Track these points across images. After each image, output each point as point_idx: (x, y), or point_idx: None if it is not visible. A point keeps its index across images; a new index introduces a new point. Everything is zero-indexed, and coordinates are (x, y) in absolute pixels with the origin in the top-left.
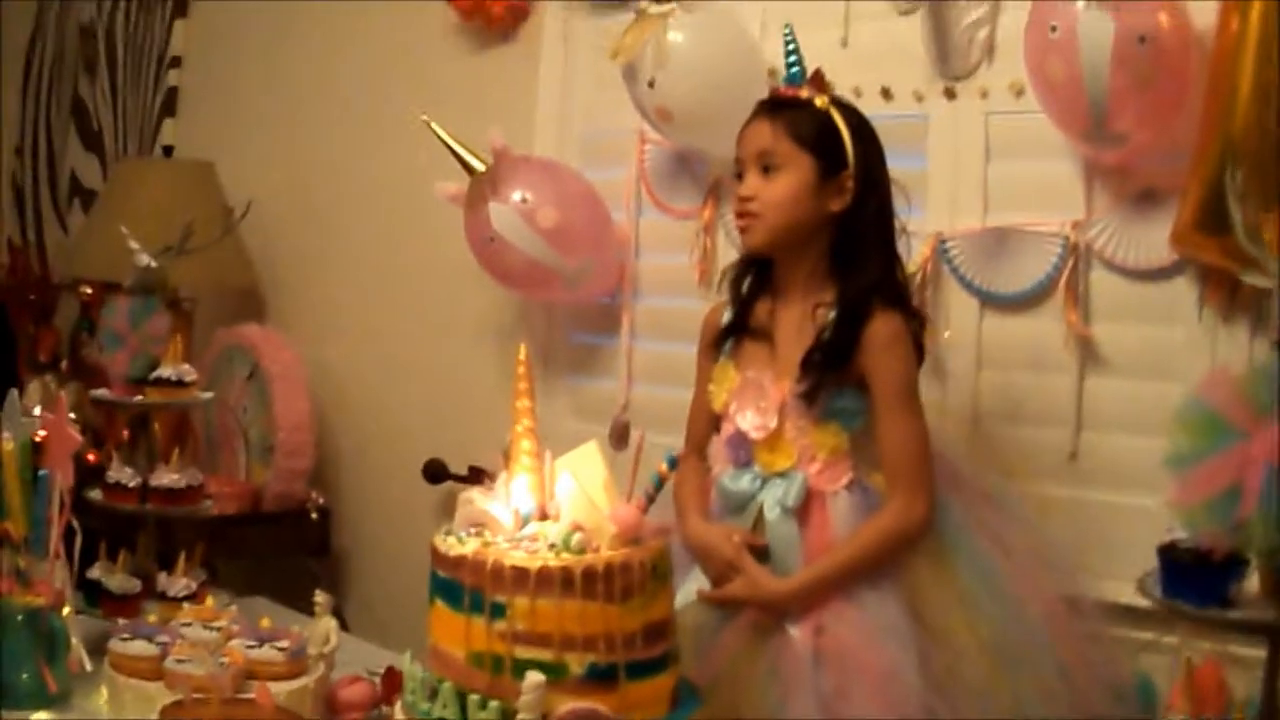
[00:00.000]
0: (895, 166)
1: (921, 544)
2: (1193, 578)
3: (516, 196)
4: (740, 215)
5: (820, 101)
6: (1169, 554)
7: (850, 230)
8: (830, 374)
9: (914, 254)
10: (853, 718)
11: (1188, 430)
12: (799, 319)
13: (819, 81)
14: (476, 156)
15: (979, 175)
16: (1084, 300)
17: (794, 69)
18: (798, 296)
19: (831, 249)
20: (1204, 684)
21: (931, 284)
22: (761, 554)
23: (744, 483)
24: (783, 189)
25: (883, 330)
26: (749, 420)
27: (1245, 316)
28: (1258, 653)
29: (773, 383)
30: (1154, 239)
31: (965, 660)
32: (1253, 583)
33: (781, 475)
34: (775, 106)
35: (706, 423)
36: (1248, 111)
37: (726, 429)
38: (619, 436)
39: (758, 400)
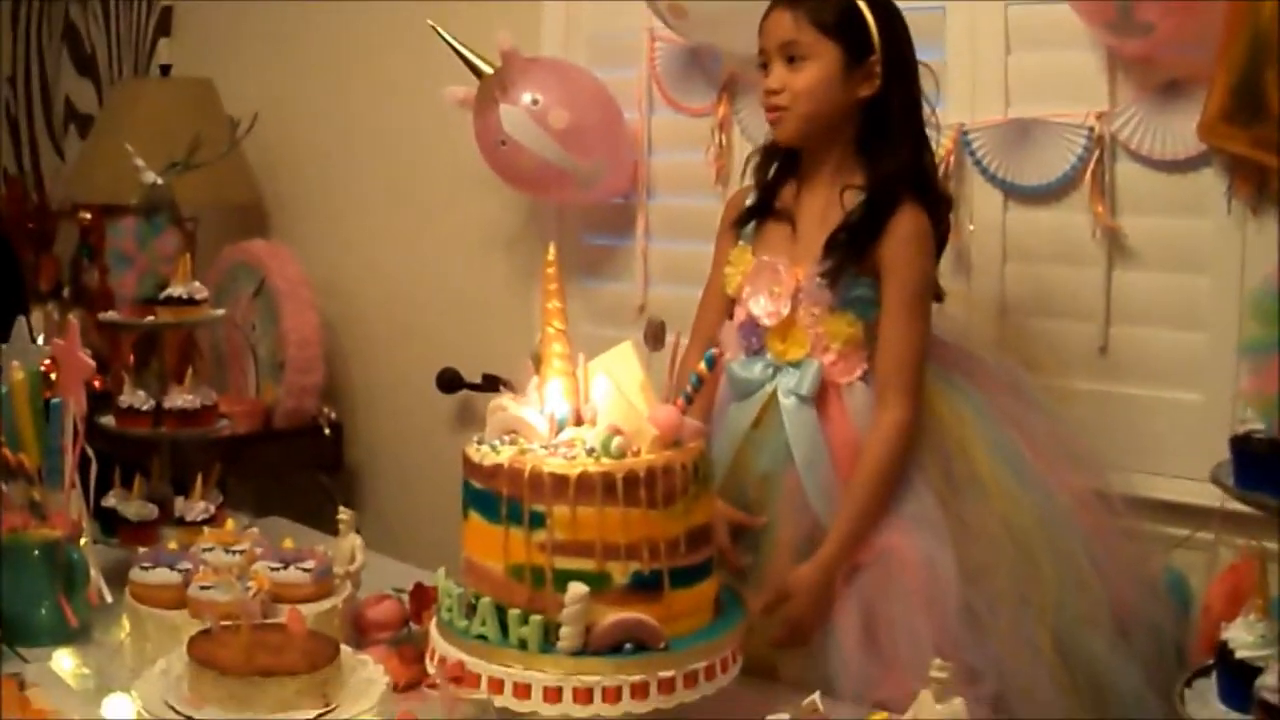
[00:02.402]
0: None
1: (948, 437)
2: (1269, 469)
3: (527, 98)
4: (770, 109)
5: None
6: (1244, 445)
7: (878, 115)
8: (853, 257)
9: (936, 146)
10: (894, 613)
11: (1261, 318)
12: (824, 204)
13: None
14: (484, 60)
15: (999, 67)
16: (1110, 192)
17: None
18: (824, 181)
19: (860, 135)
20: (1241, 581)
21: (954, 176)
22: (755, 537)
23: (755, 370)
24: (810, 78)
25: (908, 225)
26: (761, 305)
27: (1275, 208)
28: None
29: (788, 267)
30: (1180, 130)
31: (999, 552)
32: None
33: (794, 365)
34: None
35: (716, 311)
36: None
37: (739, 314)
38: (654, 336)
39: (771, 285)
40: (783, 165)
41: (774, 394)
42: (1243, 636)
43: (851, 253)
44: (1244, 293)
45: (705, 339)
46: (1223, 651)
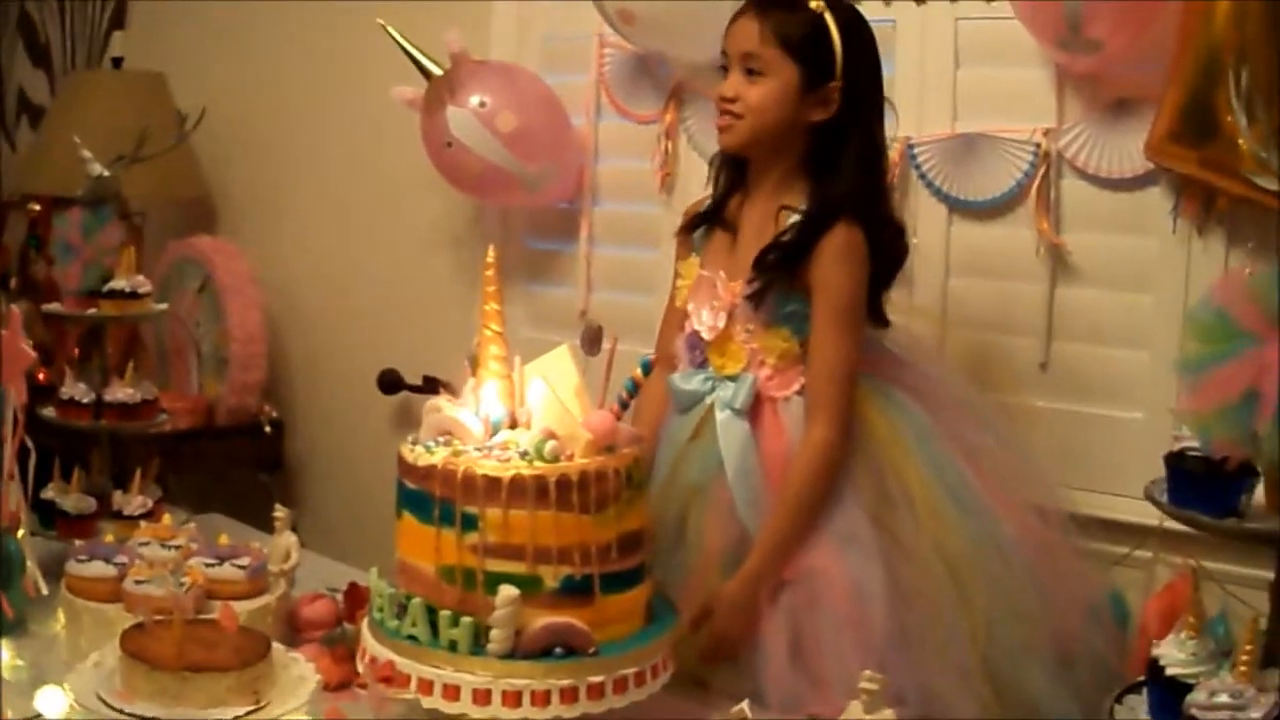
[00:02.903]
0: None
1: (883, 454)
2: (1202, 488)
3: (475, 100)
4: (721, 114)
5: (815, 4)
6: (1178, 463)
7: (829, 140)
8: (780, 277)
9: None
10: (821, 633)
11: (1200, 334)
12: (762, 220)
13: None
14: (434, 61)
15: (948, 81)
16: (1055, 208)
17: None
18: (765, 196)
19: (807, 156)
20: (1178, 599)
21: (899, 190)
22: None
23: (695, 383)
24: (764, 94)
25: (838, 241)
26: (703, 319)
27: (1220, 228)
28: (1230, 568)
29: (725, 282)
30: (1127, 148)
31: (929, 575)
32: (1258, 495)
33: (732, 379)
34: (766, 3)
35: (674, 324)
36: (1226, 18)
37: (688, 326)
38: (591, 341)
39: (711, 299)
40: (734, 174)
41: (712, 407)
42: (1174, 654)
43: (779, 274)
44: (1188, 312)
45: (667, 359)
46: (1153, 668)
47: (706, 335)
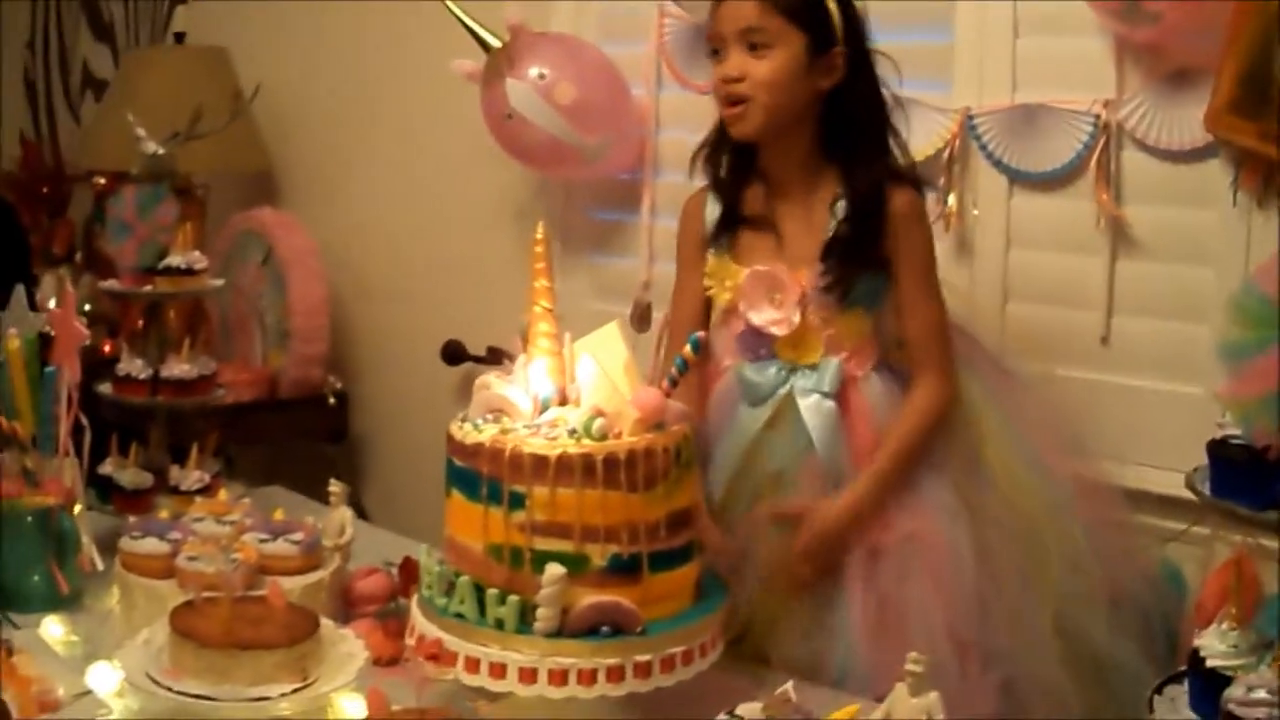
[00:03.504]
0: (920, 40)
1: (953, 419)
2: (1244, 477)
3: (534, 72)
4: (728, 100)
5: None
6: (1219, 451)
7: (842, 109)
8: (853, 267)
9: (940, 129)
10: (910, 601)
11: (1242, 320)
12: (804, 208)
13: None
14: (493, 33)
15: (1007, 51)
16: (1115, 181)
17: None
18: (796, 183)
19: (823, 130)
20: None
21: (959, 161)
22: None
23: (769, 374)
24: (773, 68)
25: (903, 207)
26: (765, 315)
27: None
28: None
29: (788, 274)
30: (1187, 120)
31: (1006, 535)
32: None
33: (811, 366)
34: None
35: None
36: None
37: (735, 325)
38: (641, 318)
39: (772, 294)
40: (738, 164)
41: (788, 395)
42: (1215, 645)
43: (851, 265)
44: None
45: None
46: (1194, 659)
47: (778, 330)
